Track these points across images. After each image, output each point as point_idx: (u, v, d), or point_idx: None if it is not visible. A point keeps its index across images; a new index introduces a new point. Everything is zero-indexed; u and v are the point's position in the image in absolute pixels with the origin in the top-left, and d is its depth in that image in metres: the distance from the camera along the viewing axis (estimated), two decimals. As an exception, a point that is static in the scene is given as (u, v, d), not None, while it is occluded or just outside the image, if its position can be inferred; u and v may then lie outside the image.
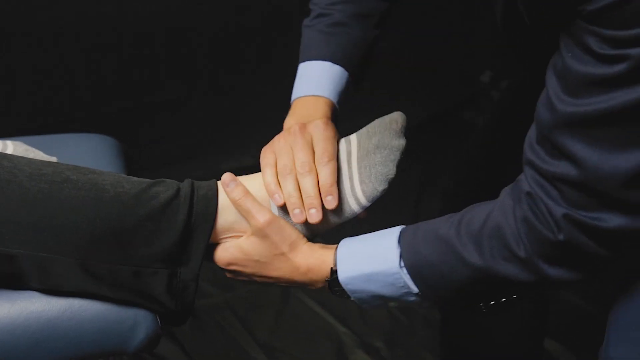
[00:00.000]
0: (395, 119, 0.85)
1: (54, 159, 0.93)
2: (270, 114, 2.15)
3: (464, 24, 2.25)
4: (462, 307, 0.82)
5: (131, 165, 1.07)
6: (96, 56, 1.83)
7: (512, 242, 0.71)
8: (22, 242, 0.71)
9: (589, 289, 1.69)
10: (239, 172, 0.84)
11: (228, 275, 0.85)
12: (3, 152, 0.88)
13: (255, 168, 0.87)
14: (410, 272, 0.76)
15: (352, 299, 0.81)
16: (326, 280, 0.81)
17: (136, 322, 0.76)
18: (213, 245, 0.82)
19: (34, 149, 0.92)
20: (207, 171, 2.02)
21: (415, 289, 0.77)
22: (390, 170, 0.81)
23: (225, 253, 0.82)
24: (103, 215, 0.73)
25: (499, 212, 0.73)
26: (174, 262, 0.77)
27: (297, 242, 0.81)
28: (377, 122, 0.87)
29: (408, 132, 0.85)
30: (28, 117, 1.80)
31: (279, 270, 0.81)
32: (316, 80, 0.95)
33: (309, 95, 0.94)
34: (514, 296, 0.78)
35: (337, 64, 0.96)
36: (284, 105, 2.26)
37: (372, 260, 0.78)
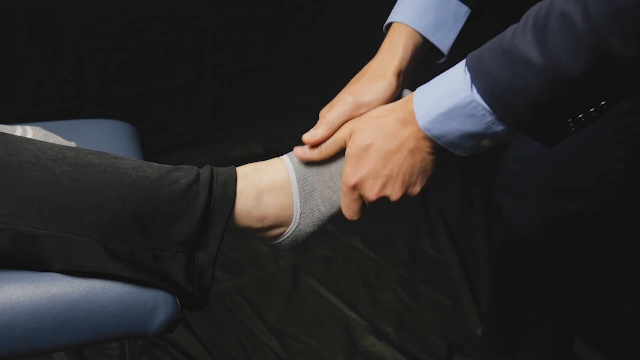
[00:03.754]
0: None
1: (72, 144, 0.93)
2: (279, 101, 2.17)
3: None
4: (550, 128, 0.74)
5: (144, 150, 1.07)
6: (104, 42, 1.83)
7: (577, 16, 0.64)
8: (45, 222, 0.72)
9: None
10: (247, 158, 0.85)
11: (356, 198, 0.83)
12: (24, 136, 0.88)
13: (264, 155, 0.88)
14: (484, 96, 0.72)
15: (444, 146, 0.78)
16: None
17: (156, 304, 0.76)
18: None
19: (52, 134, 0.92)
20: (216, 157, 2.03)
21: (495, 115, 0.73)
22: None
23: (350, 176, 0.81)
24: (125, 197, 0.74)
25: None
26: (192, 246, 0.77)
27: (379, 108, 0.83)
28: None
29: None
30: (39, 104, 1.80)
31: (391, 137, 0.80)
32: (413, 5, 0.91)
33: (400, 23, 0.91)
34: (602, 103, 0.70)
35: None
36: (292, 92, 2.27)
37: (445, 96, 0.75)
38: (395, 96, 0.88)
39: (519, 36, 0.70)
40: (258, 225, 0.82)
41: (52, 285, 0.74)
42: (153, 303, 0.76)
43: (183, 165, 0.80)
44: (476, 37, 0.82)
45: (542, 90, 0.69)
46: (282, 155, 0.87)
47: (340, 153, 0.84)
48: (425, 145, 0.79)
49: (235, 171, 0.82)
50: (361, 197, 0.82)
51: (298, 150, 0.83)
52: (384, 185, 0.80)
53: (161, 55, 1.93)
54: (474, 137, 0.76)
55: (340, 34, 2.11)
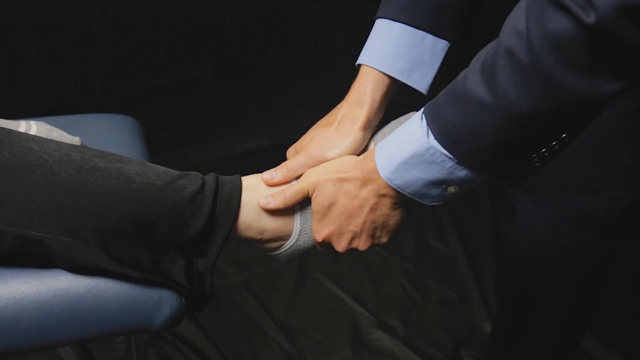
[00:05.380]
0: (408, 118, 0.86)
1: (77, 139, 0.93)
2: (286, 95, 2.16)
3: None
4: (514, 166, 0.72)
5: (149, 146, 1.07)
6: (111, 38, 1.83)
7: (522, 51, 0.63)
8: (48, 226, 0.72)
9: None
10: (255, 153, 0.85)
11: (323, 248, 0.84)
12: (28, 132, 0.88)
13: (270, 149, 0.88)
14: (440, 141, 0.71)
15: (410, 196, 0.77)
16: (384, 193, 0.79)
17: (161, 299, 0.76)
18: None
19: (57, 129, 0.92)
20: (223, 152, 2.03)
21: (455, 159, 0.72)
22: None
23: (317, 233, 0.83)
24: (128, 204, 0.74)
25: (507, 27, 0.65)
26: (191, 252, 0.78)
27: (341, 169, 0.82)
28: (393, 124, 0.88)
29: None
30: (43, 99, 1.81)
31: (351, 197, 0.80)
32: (384, 50, 0.87)
33: (370, 67, 0.87)
34: (563, 135, 0.69)
35: (419, 28, 0.87)
36: (299, 87, 2.27)
37: (404, 145, 0.74)
38: (362, 148, 0.88)
39: (469, 78, 0.69)
40: (258, 237, 0.83)
41: (57, 280, 0.74)
42: (157, 298, 0.77)
43: (189, 172, 0.80)
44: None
45: (497, 129, 0.68)
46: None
47: None
48: (386, 201, 0.79)
49: (240, 181, 0.82)
50: (331, 246, 0.84)
51: (262, 200, 0.82)
52: (350, 240, 0.82)
53: (168, 50, 1.93)
54: (438, 184, 0.75)
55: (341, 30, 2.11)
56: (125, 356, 1.04)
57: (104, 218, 0.73)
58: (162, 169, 0.79)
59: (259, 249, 0.85)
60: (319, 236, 0.83)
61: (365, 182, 0.79)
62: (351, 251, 0.84)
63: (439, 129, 0.71)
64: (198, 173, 0.81)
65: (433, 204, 0.77)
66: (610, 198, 1.06)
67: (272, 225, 0.83)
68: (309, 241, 0.85)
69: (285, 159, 0.88)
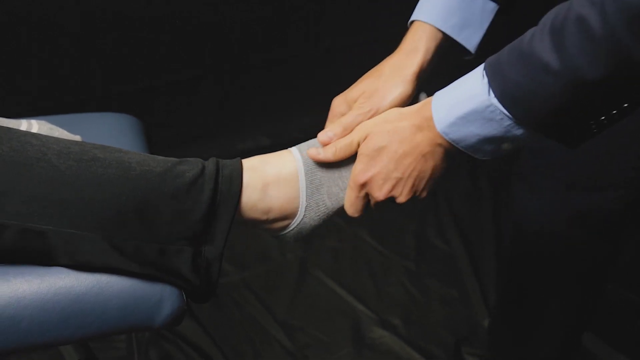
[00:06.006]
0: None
1: (78, 138, 0.94)
2: (286, 95, 2.17)
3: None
4: (571, 130, 0.73)
5: (150, 144, 1.07)
6: (111, 37, 1.83)
7: (595, 20, 0.64)
8: (50, 218, 0.72)
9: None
10: (254, 152, 0.85)
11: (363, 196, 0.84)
12: (29, 130, 0.89)
13: (270, 148, 0.88)
14: (501, 100, 0.72)
15: (463, 150, 0.78)
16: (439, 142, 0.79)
17: (162, 297, 0.76)
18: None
19: (58, 128, 0.92)
20: (223, 151, 2.04)
21: (514, 119, 0.73)
22: None
23: (360, 174, 0.82)
24: (129, 192, 0.74)
25: None
26: (199, 240, 0.77)
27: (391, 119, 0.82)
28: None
29: None
30: (45, 97, 1.81)
31: (404, 141, 0.80)
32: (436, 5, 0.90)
33: (423, 22, 0.90)
34: (624, 105, 0.70)
35: None
36: (299, 87, 2.27)
37: (463, 100, 0.75)
38: (412, 99, 0.88)
39: (536, 40, 0.69)
40: (263, 217, 0.82)
41: (58, 278, 0.74)
42: (159, 296, 0.76)
43: (189, 158, 0.80)
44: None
45: (561, 94, 0.69)
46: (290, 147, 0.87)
47: (352, 155, 0.85)
48: (439, 152, 0.79)
49: (240, 163, 0.82)
50: (367, 196, 0.83)
51: (312, 151, 0.83)
52: (393, 187, 0.81)
53: (169, 49, 1.93)
54: (493, 141, 0.75)
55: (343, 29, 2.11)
56: (127, 354, 1.04)
57: (105, 208, 0.73)
58: (161, 157, 0.79)
59: (265, 230, 0.85)
60: (362, 177, 0.81)
61: (420, 128, 0.79)
62: (385, 204, 0.83)
63: (501, 87, 0.72)
64: (198, 158, 0.80)
65: (485, 158, 0.78)
66: (614, 196, 1.06)
67: (277, 203, 0.82)
68: (315, 217, 0.84)
69: None
